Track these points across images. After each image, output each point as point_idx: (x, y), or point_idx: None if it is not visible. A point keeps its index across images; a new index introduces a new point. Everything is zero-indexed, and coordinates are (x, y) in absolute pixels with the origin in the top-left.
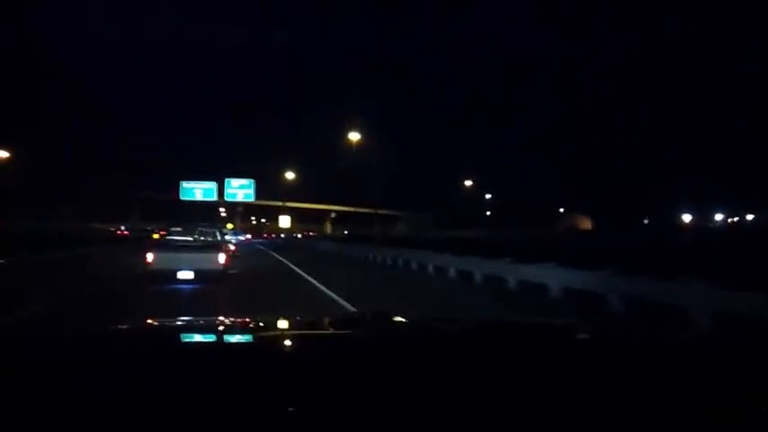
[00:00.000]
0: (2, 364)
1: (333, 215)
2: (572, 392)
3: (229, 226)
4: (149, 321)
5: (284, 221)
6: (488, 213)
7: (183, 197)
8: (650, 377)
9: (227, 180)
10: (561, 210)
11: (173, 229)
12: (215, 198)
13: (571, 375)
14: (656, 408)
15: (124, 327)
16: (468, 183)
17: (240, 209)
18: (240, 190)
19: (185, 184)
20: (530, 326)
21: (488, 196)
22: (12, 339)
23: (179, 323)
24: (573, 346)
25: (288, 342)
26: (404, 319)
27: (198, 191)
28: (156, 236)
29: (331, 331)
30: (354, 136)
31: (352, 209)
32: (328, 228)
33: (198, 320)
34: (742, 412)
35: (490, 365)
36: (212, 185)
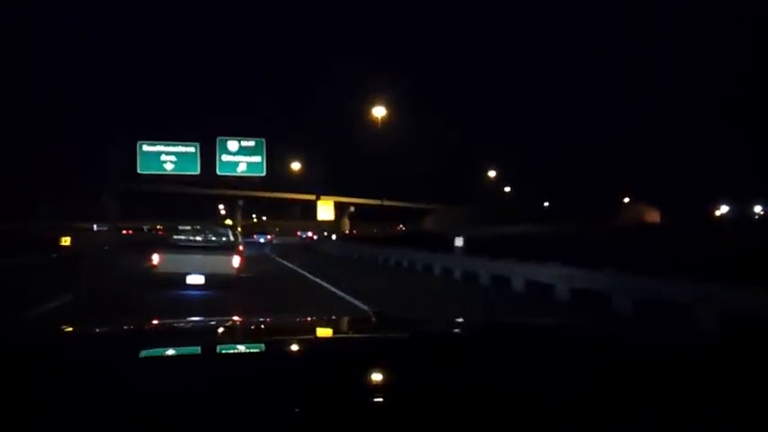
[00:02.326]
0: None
1: (351, 209)
2: (576, 396)
3: (227, 222)
4: (155, 321)
5: (324, 212)
6: (546, 204)
7: (142, 170)
8: (650, 380)
9: (220, 141)
10: (626, 200)
11: (181, 227)
12: (197, 172)
13: (575, 379)
14: (659, 413)
15: (126, 326)
16: (491, 174)
17: (241, 202)
18: (242, 158)
19: (146, 147)
20: (536, 327)
21: (507, 189)
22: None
23: (181, 324)
24: (576, 348)
25: (292, 345)
26: (409, 320)
27: (168, 159)
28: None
29: (335, 332)
30: (379, 111)
31: (378, 202)
32: (346, 225)
33: (204, 321)
34: (745, 416)
35: (492, 367)
36: (192, 149)
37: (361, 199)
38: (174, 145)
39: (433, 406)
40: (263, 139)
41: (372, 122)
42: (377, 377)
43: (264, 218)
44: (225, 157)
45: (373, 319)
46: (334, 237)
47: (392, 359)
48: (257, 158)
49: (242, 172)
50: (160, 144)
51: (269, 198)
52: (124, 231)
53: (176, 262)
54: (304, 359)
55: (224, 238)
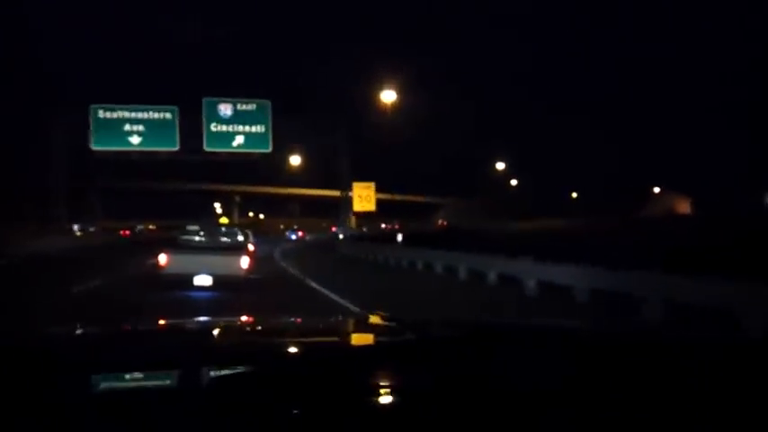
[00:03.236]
0: None
1: None
2: (580, 401)
3: (223, 221)
4: (158, 321)
5: (362, 201)
6: (575, 195)
7: (97, 145)
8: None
9: (207, 104)
10: (657, 189)
11: (189, 227)
12: (176, 147)
13: (577, 382)
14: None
15: (122, 327)
16: (500, 166)
17: (238, 198)
18: (239, 127)
19: (102, 113)
20: (538, 329)
21: (514, 182)
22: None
23: (181, 324)
24: (580, 351)
25: (287, 347)
26: (406, 321)
27: (134, 129)
28: None
29: (332, 333)
30: (389, 96)
31: (388, 196)
32: (352, 221)
33: (207, 321)
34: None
35: (495, 368)
36: (169, 115)
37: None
38: (143, 110)
39: (435, 409)
40: (269, 102)
41: (381, 109)
42: (380, 380)
43: (262, 216)
44: (215, 127)
45: (377, 321)
46: (400, 237)
47: (395, 361)
48: (260, 128)
49: (239, 147)
50: (122, 109)
51: (267, 194)
52: (122, 232)
53: (184, 262)
54: (306, 361)
55: (233, 239)
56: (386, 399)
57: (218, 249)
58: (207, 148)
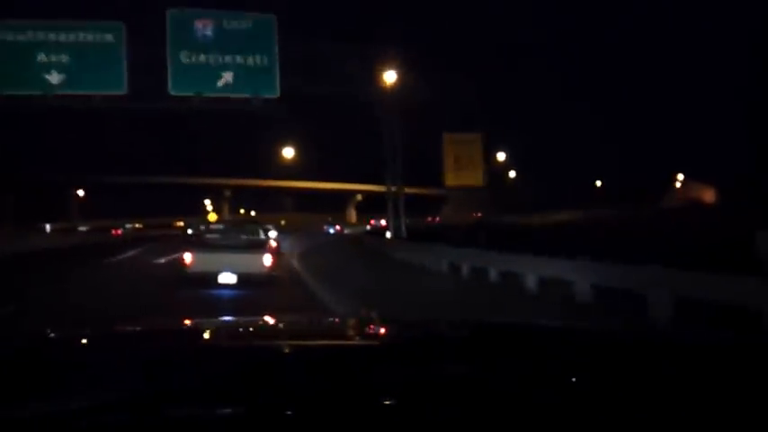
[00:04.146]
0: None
1: (358, 197)
2: (582, 403)
3: (212, 217)
4: (144, 323)
5: (462, 163)
6: (599, 183)
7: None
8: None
9: (172, 19)
10: (681, 176)
11: (212, 225)
12: (123, 90)
13: (581, 383)
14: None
15: (118, 327)
16: (509, 157)
17: (228, 193)
18: (228, 58)
19: (2, 35)
20: (541, 329)
21: (513, 174)
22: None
23: (184, 323)
24: (582, 352)
25: (285, 347)
26: (406, 321)
27: (52, 62)
28: None
29: (330, 333)
30: (390, 76)
31: (389, 188)
32: (353, 216)
33: (209, 320)
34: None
35: (487, 368)
36: (110, 37)
37: (367, 185)
38: (67, 28)
39: (436, 409)
40: (273, 16)
41: (381, 90)
42: (379, 380)
43: (253, 212)
44: (187, 57)
45: (374, 321)
46: None
47: (395, 361)
48: (260, 59)
49: (226, 89)
50: (33, 27)
51: (260, 186)
52: (113, 231)
53: (208, 261)
54: (303, 361)
55: (254, 235)
56: (385, 399)
57: (241, 247)
58: (173, 92)
